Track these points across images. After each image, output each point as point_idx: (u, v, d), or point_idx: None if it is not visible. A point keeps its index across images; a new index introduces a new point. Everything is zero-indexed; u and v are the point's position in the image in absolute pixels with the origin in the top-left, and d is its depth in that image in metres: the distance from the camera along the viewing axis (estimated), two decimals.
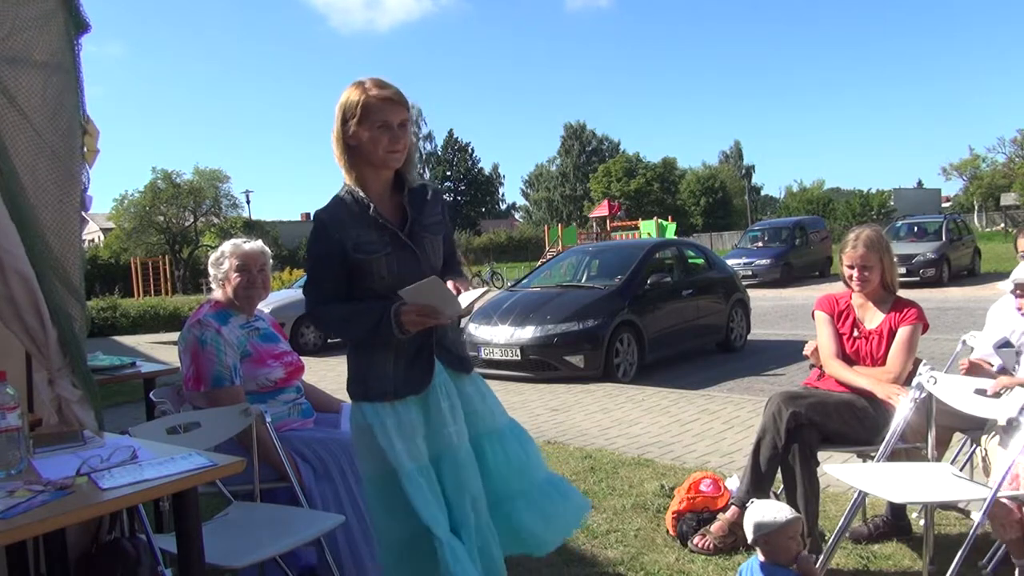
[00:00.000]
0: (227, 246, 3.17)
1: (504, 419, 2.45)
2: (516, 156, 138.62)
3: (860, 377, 3.16)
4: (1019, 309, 2.96)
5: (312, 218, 2.29)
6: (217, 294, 3.16)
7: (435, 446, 2.28)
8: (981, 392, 2.80)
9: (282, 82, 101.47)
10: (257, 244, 3.19)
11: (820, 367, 3.36)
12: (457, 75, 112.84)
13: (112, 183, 53.69)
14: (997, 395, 2.74)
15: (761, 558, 2.37)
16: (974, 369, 3.01)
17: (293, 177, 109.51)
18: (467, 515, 2.24)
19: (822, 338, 3.35)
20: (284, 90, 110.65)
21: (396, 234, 2.24)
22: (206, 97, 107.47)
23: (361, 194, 2.24)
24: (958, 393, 2.87)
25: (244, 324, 3.10)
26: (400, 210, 2.30)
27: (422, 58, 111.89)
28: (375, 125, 2.17)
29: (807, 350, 3.44)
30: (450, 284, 2.19)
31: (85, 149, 2.41)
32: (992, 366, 3.13)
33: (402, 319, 2.14)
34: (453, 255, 2.48)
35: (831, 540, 2.89)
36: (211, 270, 3.17)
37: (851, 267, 3.26)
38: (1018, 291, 2.92)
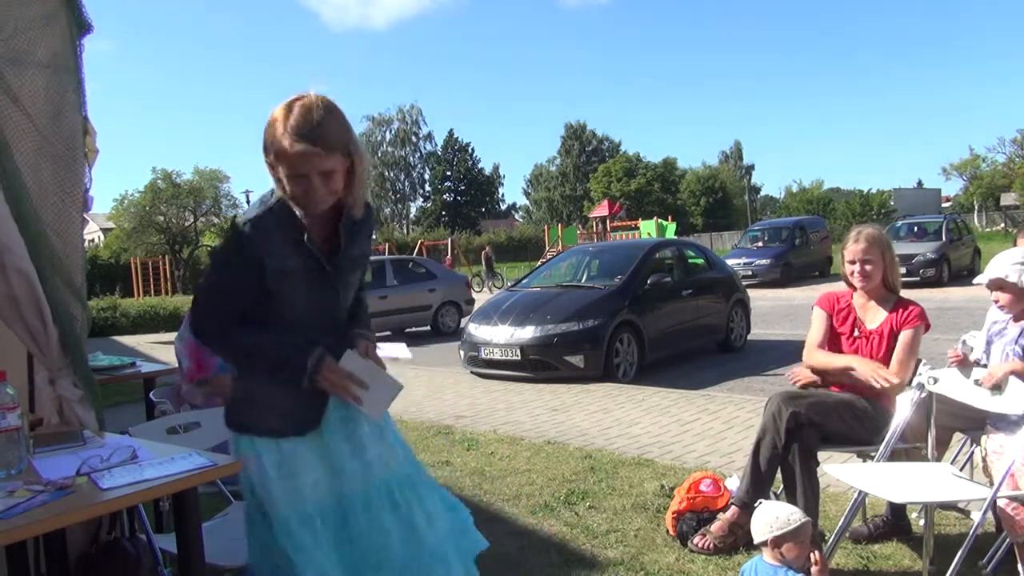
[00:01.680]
0: None
1: (404, 468, 2.16)
2: (516, 156, 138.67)
3: (842, 357, 3.19)
4: (995, 302, 3.01)
5: (231, 225, 2.01)
6: None
7: (335, 488, 2.06)
8: (980, 382, 2.81)
9: (277, 80, 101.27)
10: None
11: (799, 382, 3.34)
12: (456, 73, 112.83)
13: (112, 183, 53.74)
14: (997, 388, 2.76)
15: (767, 559, 2.37)
16: (964, 361, 3.05)
17: None
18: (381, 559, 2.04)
19: (811, 331, 3.37)
20: (280, 88, 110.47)
21: (321, 263, 2.01)
22: (203, 96, 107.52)
23: (297, 213, 1.96)
24: (960, 387, 2.87)
25: None
26: (333, 237, 2.04)
27: (420, 55, 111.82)
28: (289, 174, 1.89)
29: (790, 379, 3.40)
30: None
31: (86, 149, 2.41)
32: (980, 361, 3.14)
33: (320, 375, 1.95)
34: (360, 302, 2.22)
35: (831, 540, 2.89)
36: None
37: (852, 262, 3.26)
38: (991, 285, 2.98)
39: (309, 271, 1.99)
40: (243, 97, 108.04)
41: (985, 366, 3.02)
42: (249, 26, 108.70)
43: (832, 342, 3.30)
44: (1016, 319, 2.98)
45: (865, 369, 3.08)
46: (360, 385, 1.98)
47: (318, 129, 1.84)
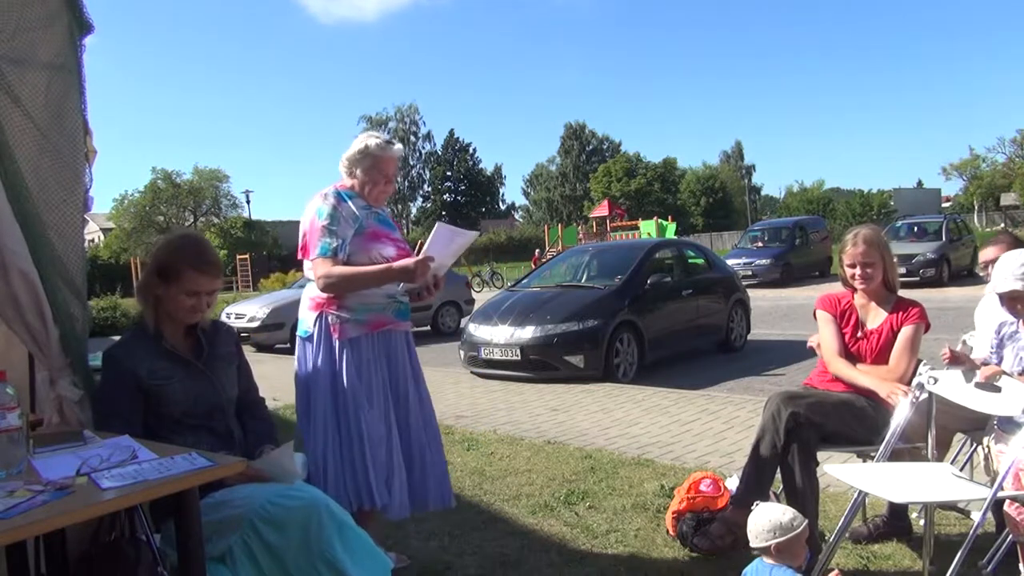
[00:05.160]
0: (372, 144, 2.97)
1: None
2: (516, 156, 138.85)
3: (863, 376, 3.16)
4: (1012, 311, 2.97)
5: (103, 356, 2.40)
6: (346, 180, 3.03)
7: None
8: (980, 385, 2.81)
9: (273, 78, 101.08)
10: (397, 150, 3.04)
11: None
12: (453, 69, 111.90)
13: (112, 183, 53.79)
14: (993, 387, 2.75)
15: (770, 562, 2.36)
16: (956, 359, 3.04)
17: (293, 177, 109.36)
18: None
19: (825, 337, 3.33)
20: (277, 87, 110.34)
21: (188, 362, 2.43)
22: (199, 95, 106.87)
23: (152, 329, 2.42)
24: (959, 388, 2.87)
25: (366, 206, 3.00)
26: (194, 342, 2.50)
27: (416, 50, 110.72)
28: (183, 291, 2.38)
29: (812, 342, 3.46)
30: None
31: (85, 149, 2.42)
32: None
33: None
34: (251, 390, 2.68)
35: (831, 540, 2.88)
36: (346, 160, 3.00)
37: (852, 265, 3.25)
38: (1007, 296, 2.94)
39: (180, 370, 2.40)
40: (239, 94, 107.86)
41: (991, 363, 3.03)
42: (238, 20, 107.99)
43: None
44: None
45: (882, 392, 3.06)
46: (269, 473, 2.31)
47: (216, 256, 2.52)
